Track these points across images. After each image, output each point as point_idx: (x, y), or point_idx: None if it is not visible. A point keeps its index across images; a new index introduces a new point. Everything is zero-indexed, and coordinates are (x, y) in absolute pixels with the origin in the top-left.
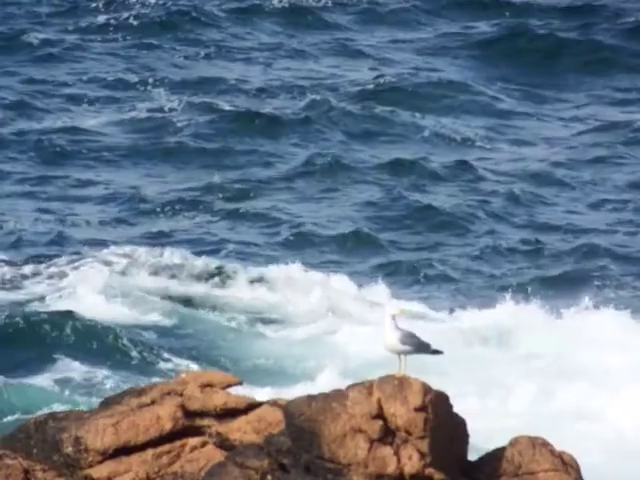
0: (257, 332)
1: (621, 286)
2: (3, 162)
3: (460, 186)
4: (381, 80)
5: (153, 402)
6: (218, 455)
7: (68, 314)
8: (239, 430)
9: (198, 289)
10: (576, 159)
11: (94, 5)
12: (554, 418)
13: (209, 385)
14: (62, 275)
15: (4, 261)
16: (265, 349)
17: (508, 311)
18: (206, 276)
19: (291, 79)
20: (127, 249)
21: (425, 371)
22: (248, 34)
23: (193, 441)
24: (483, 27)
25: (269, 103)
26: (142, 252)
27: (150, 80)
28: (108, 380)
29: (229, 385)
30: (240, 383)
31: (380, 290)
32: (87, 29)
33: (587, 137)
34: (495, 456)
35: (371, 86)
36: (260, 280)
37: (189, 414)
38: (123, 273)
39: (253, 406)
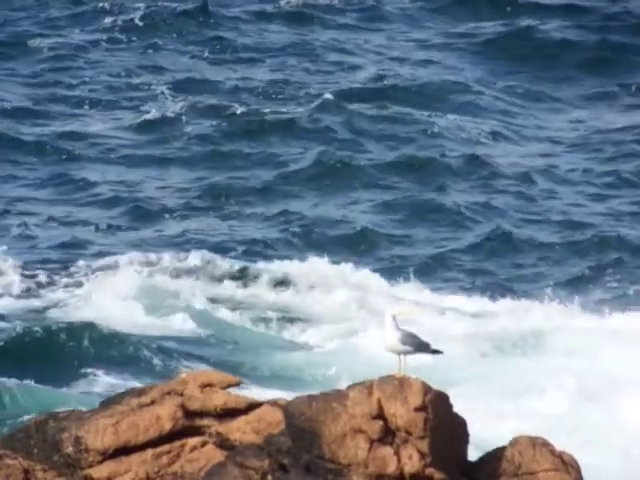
0: (282, 336)
1: (637, 281)
2: (15, 166)
3: (471, 183)
4: (389, 80)
5: (153, 402)
6: (218, 455)
7: (87, 322)
8: (239, 430)
9: (219, 292)
10: (583, 155)
11: (100, 6)
12: (591, 423)
13: (209, 385)
14: (79, 281)
15: (20, 267)
16: (289, 355)
17: (535, 309)
18: (227, 279)
19: (299, 79)
20: (142, 253)
21: (455, 375)
22: (255, 35)
23: (193, 441)
24: (488, 26)
25: (278, 103)
26: (159, 256)
27: (158, 82)
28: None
29: (229, 385)
30: (239, 383)
31: (403, 289)
32: (93, 32)
33: (593, 133)
34: (495, 456)
35: (379, 85)
36: (284, 282)
37: (189, 414)
38: (141, 278)
39: (253, 406)
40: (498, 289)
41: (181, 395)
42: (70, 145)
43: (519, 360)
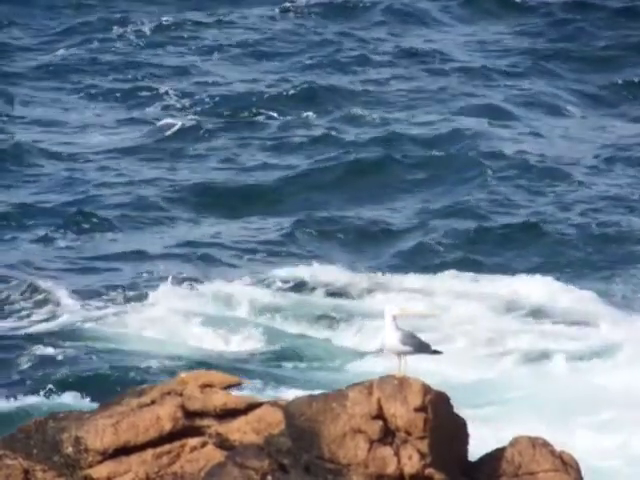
0: (343, 345)
1: None
2: (22, 173)
3: (496, 180)
4: (406, 82)
5: (153, 402)
6: (218, 455)
7: (131, 341)
8: (239, 430)
9: (273, 304)
10: (600, 150)
11: (110, 16)
12: None
13: (209, 385)
14: (115, 299)
15: (55, 286)
16: (350, 364)
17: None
18: (279, 290)
19: (315, 81)
20: (181, 262)
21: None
22: (268, 40)
23: (193, 441)
24: (494, 26)
25: (296, 108)
26: (204, 268)
27: (170, 88)
28: None
29: (229, 385)
30: (240, 383)
31: (461, 289)
32: (103, 40)
33: (610, 129)
34: (495, 456)
35: (397, 87)
36: (339, 290)
37: (189, 414)
38: (185, 292)
39: (253, 406)
40: (559, 283)
41: (181, 395)
42: (80, 152)
43: (590, 368)
